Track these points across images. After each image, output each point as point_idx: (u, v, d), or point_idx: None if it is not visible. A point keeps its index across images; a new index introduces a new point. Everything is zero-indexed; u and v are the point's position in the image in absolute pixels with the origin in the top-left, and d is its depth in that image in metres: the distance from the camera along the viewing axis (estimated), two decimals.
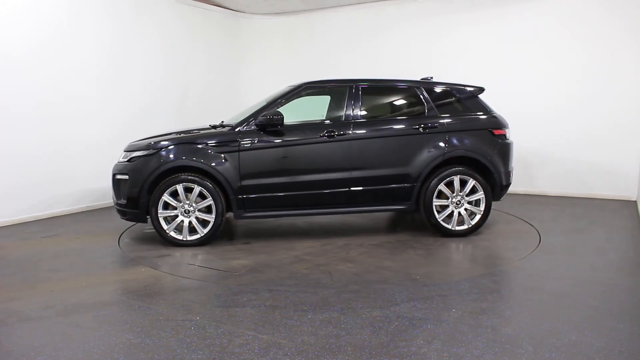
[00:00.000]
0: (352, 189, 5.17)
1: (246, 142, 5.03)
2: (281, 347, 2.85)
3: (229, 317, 3.28)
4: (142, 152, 5.07)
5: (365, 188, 5.19)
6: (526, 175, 7.89)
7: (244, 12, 9.66)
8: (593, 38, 7.49)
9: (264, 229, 5.93)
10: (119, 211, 5.21)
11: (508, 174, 5.45)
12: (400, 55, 8.78)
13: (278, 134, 5.10)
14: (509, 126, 5.54)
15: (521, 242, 5.18)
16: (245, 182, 5.02)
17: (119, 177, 5.15)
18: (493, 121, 5.41)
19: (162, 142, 5.09)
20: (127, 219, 5.20)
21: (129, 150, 5.25)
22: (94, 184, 7.06)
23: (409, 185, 5.22)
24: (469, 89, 5.56)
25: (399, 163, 5.22)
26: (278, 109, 5.14)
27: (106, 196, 7.22)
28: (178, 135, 5.25)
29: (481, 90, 5.59)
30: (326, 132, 5.12)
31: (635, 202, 7.20)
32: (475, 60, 8.19)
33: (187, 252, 4.91)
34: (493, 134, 5.35)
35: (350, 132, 5.15)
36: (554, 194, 7.91)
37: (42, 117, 6.31)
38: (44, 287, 3.91)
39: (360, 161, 5.16)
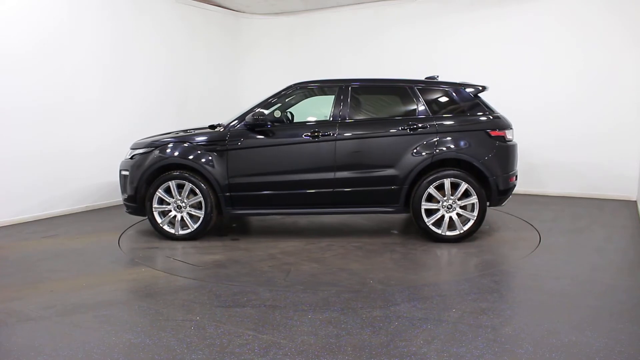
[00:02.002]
0: (336, 189, 5.14)
1: (234, 142, 5.19)
2: (281, 347, 2.85)
3: (229, 317, 3.28)
4: (141, 149, 5.38)
5: (350, 189, 5.13)
6: (526, 175, 7.89)
7: (244, 12, 9.66)
8: (593, 38, 7.50)
9: (264, 226, 5.97)
10: (124, 205, 5.56)
11: (508, 179, 5.14)
12: (401, 55, 8.78)
13: (266, 133, 5.21)
14: (512, 127, 5.25)
15: (521, 242, 5.18)
16: (233, 181, 5.17)
17: (123, 173, 5.49)
18: (490, 122, 5.13)
19: (158, 141, 5.39)
20: (129, 212, 5.49)
21: (132, 148, 5.55)
22: (93, 184, 7.06)
23: (396, 187, 5.08)
24: (468, 88, 5.30)
25: (385, 164, 5.09)
26: (263, 109, 5.24)
27: (106, 196, 7.25)
28: (175, 135, 5.50)
29: (482, 89, 5.34)
30: (311, 133, 5.14)
31: (635, 202, 7.20)
32: (476, 60, 8.18)
33: (175, 246, 5.13)
34: (490, 136, 5.08)
35: (336, 132, 5.13)
36: (554, 194, 7.92)
37: (41, 117, 6.31)
38: (44, 287, 3.91)
39: (344, 162, 5.11)
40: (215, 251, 4.94)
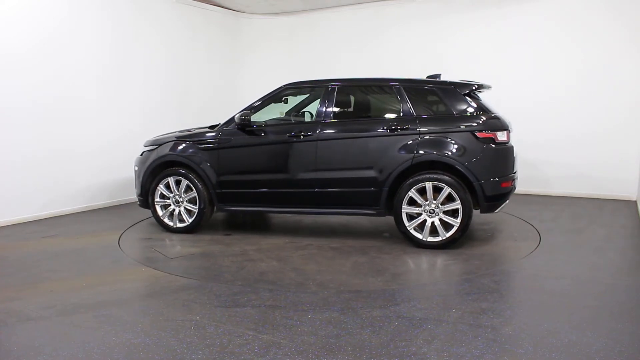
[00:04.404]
0: (317, 189, 5.14)
1: (224, 141, 5.39)
2: (281, 347, 2.85)
3: (229, 317, 3.29)
4: (148, 147, 5.80)
5: (330, 190, 5.11)
6: (526, 175, 7.88)
7: (244, 12, 9.65)
8: (593, 38, 7.50)
9: (269, 224, 6.11)
10: (137, 198, 5.91)
11: (499, 184, 4.79)
12: (401, 55, 8.77)
13: (254, 133, 5.34)
14: (507, 129, 4.91)
15: (521, 242, 5.17)
16: (223, 178, 5.38)
17: (134, 168, 5.90)
18: (478, 122, 4.81)
19: (160, 139, 5.77)
20: (139, 205, 5.86)
21: (144, 145, 5.93)
22: (93, 184, 7.06)
23: (375, 189, 4.95)
24: (460, 87, 4.98)
25: (364, 166, 4.98)
26: (251, 110, 5.37)
27: (106, 196, 7.25)
28: (178, 133, 5.77)
29: (478, 87, 5.05)
30: (294, 133, 5.17)
31: (635, 202, 7.20)
32: (476, 60, 8.17)
33: (168, 237, 5.48)
34: (477, 137, 4.77)
35: (317, 132, 5.12)
36: (554, 194, 7.91)
37: (41, 117, 6.30)
38: (44, 287, 3.91)
39: (325, 162, 5.09)
40: (198, 244, 5.16)
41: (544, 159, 7.94)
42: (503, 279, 4.13)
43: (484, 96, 5.36)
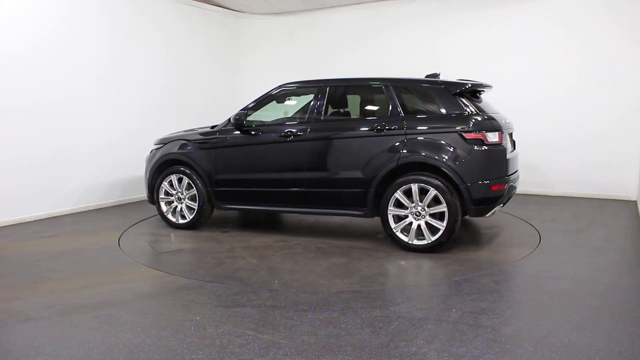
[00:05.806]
0: (306, 189, 5.15)
1: (221, 140, 5.53)
2: (281, 347, 2.85)
3: (229, 317, 3.29)
4: (156, 146, 6.05)
5: (318, 190, 5.11)
6: (525, 175, 7.87)
7: (244, 12, 9.65)
8: (593, 38, 7.50)
9: (269, 223, 6.13)
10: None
11: (488, 187, 4.59)
12: (401, 55, 8.77)
13: (248, 133, 5.42)
14: (500, 130, 4.68)
15: (521, 242, 5.17)
16: (219, 177, 5.52)
17: (145, 166, 6.10)
18: (467, 123, 4.61)
19: (166, 138, 6.00)
20: (148, 202, 6.08)
21: (154, 143, 6.14)
22: (94, 184, 7.05)
23: (361, 190, 4.90)
24: (452, 86, 4.82)
25: (351, 166, 4.94)
26: (247, 110, 5.45)
27: (106, 196, 7.24)
28: (183, 133, 5.99)
29: (471, 87, 4.86)
30: (285, 133, 5.21)
31: (635, 202, 7.20)
32: (476, 60, 8.17)
33: (167, 232, 5.69)
34: (464, 138, 4.60)
35: (307, 132, 5.14)
36: (554, 194, 7.91)
37: (41, 117, 6.30)
38: (44, 287, 3.91)
39: (313, 162, 5.11)
40: (191, 240, 5.32)
41: (544, 159, 7.93)
42: (503, 279, 4.13)
43: (484, 96, 5.32)
